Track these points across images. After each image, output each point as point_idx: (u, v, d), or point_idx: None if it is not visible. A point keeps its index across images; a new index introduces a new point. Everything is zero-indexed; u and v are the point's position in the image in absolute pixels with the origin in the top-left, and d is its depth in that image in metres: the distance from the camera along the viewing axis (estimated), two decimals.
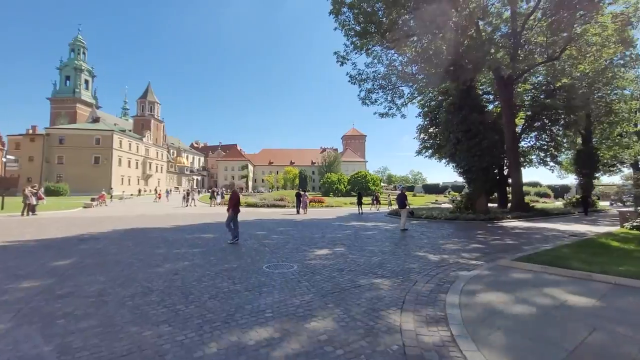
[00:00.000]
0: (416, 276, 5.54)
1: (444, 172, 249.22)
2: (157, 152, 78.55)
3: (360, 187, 72.46)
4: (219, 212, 21.32)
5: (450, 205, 36.88)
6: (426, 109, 27.67)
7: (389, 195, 28.71)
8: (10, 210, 17.43)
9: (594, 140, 28.65)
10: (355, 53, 19.58)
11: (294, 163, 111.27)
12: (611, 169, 35.30)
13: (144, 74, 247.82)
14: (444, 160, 28.50)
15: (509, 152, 19.57)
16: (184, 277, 5.38)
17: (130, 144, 65.47)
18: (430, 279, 5.34)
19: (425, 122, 27.84)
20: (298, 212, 21.19)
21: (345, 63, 19.29)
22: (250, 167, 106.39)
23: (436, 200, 48.77)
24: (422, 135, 28.56)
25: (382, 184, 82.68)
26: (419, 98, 24.93)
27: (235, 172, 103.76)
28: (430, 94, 26.32)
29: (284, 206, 27.06)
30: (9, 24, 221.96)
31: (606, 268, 5.45)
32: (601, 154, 28.78)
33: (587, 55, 18.66)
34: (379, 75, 20.04)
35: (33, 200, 16.40)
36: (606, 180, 51.57)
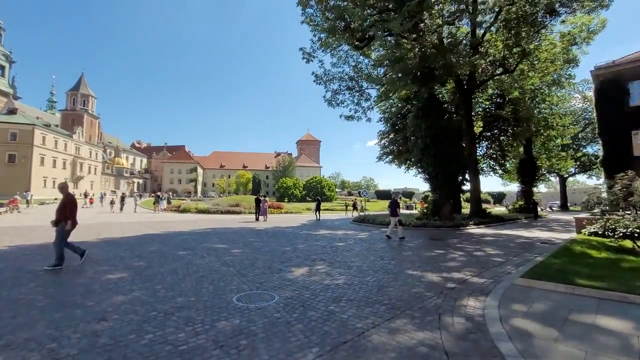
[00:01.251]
0: (432, 305, 4.41)
1: (395, 179, 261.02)
2: (90, 152, 69.91)
3: (316, 193, 71.87)
4: (166, 220, 18.64)
5: (410, 211, 37.77)
6: (387, 114, 27.73)
7: (354, 201, 27.88)
8: None
9: (533, 150, 31.14)
10: (322, 51, 18.61)
11: (247, 167, 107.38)
12: (542, 178, 38.98)
13: (78, 63, 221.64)
14: (403, 167, 28.86)
15: (468, 158, 19.97)
16: (115, 325, 3.60)
17: (56, 141, 57.19)
18: (453, 310, 4.24)
19: (387, 128, 27.82)
20: (257, 219, 19.37)
21: (312, 60, 18.19)
22: (200, 170, 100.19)
23: None
24: (382, 141, 28.50)
25: (336, 189, 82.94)
26: (384, 102, 24.70)
27: (183, 175, 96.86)
28: (391, 100, 26.38)
29: (239, 212, 24.91)
30: None
31: (630, 285, 4.87)
32: (540, 164, 31.33)
33: (537, 70, 19.84)
34: (345, 76, 19.24)
35: None
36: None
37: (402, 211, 38.71)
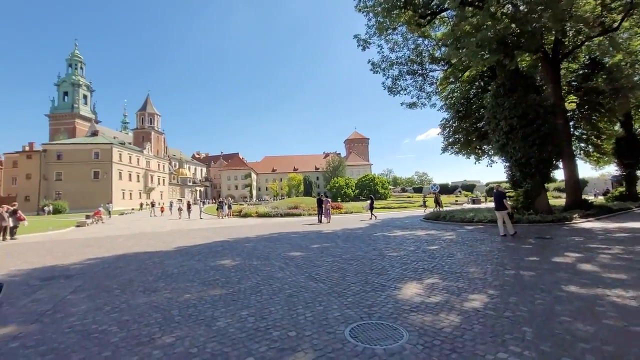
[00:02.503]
0: None
1: (450, 172, 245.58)
2: (158, 164, 75.94)
3: (369, 191, 69.67)
4: (231, 225, 18.48)
5: (477, 205, 34.07)
6: (450, 100, 25.00)
7: (436, 196, 25.28)
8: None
9: (634, 126, 25.86)
10: (377, 37, 16.97)
11: (297, 169, 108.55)
12: None
13: (144, 85, 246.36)
14: (472, 157, 25.80)
15: (563, 139, 16.75)
16: None
17: (130, 156, 62.87)
18: None
19: (450, 115, 25.07)
20: (320, 220, 18.31)
21: (368, 47, 16.65)
22: (254, 176, 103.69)
23: (456, 201, 45.77)
24: (446, 130, 25.76)
25: (389, 186, 79.73)
26: (446, 87, 22.18)
27: (239, 181, 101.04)
28: (453, 85, 23.67)
29: (299, 214, 24.20)
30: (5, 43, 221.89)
31: None
32: None
33: None
34: (406, 60, 17.34)
35: (10, 222, 13.58)
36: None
37: (468, 205, 35.13)
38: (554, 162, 14.75)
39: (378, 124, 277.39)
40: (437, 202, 23.24)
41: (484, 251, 7.69)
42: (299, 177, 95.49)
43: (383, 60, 17.47)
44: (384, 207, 36.76)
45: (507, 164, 15.40)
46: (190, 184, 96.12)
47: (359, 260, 7.19)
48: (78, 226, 20.47)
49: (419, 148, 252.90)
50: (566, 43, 16.55)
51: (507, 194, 13.77)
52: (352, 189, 74.11)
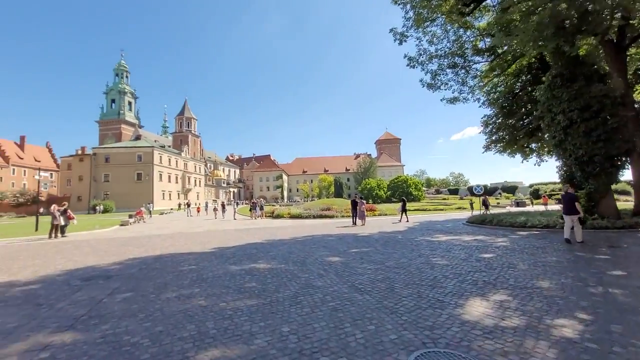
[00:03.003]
0: None
1: (488, 172, 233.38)
2: (195, 166, 79.06)
3: (402, 192, 67.70)
4: (264, 227, 18.36)
5: (521, 208, 31.54)
6: (493, 95, 23.27)
7: (485, 198, 23.67)
8: (46, 232, 15.47)
9: None
10: (414, 30, 16.05)
11: (327, 171, 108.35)
12: None
13: (183, 91, 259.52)
14: (518, 155, 23.86)
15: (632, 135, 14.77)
16: None
17: (169, 159, 65.96)
18: None
19: (494, 112, 23.33)
20: (354, 223, 17.65)
21: (405, 41, 15.80)
22: (285, 177, 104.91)
23: (498, 203, 42.95)
24: (489, 128, 24.02)
25: (423, 188, 76.93)
26: (489, 81, 20.63)
27: (270, 182, 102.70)
28: (496, 79, 21.98)
29: (332, 216, 23.69)
30: (63, 56, 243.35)
31: None
32: None
33: None
34: (447, 52, 16.24)
35: (61, 221, 14.36)
36: None
37: (512, 208, 32.60)
38: (623, 160, 13.00)
39: (410, 124, 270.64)
40: (485, 205, 21.69)
41: (551, 262, 6.67)
42: (329, 179, 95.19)
43: (421, 54, 16.51)
44: (417, 210, 35.23)
45: (562, 163, 13.80)
46: (225, 185, 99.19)
47: (405, 268, 6.50)
48: (122, 225, 21.44)
49: (453, 148, 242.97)
50: (636, 25, 14.58)
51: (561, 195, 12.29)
52: (384, 191, 72.45)
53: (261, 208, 26.89)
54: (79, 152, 63.72)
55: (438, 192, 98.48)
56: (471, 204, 26.59)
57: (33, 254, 9.88)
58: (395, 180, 74.19)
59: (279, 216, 25.37)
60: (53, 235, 14.27)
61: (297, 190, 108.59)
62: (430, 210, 33.50)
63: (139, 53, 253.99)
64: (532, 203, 41.24)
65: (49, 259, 8.95)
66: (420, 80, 17.01)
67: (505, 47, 14.67)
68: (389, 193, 71.43)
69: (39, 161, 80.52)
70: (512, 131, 22.37)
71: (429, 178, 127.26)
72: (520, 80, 21.07)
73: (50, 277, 6.66)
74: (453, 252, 8.20)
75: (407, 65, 16.99)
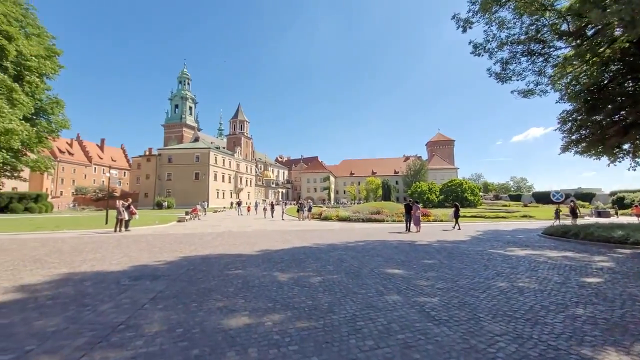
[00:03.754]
0: None
1: (554, 178, 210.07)
2: (246, 167, 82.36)
3: (456, 197, 63.20)
4: (312, 229, 17.81)
5: (603, 220, 26.96)
6: (573, 88, 20.08)
7: (573, 205, 20.59)
8: (113, 226, 16.67)
9: None
10: (480, 17, 14.25)
11: (375, 173, 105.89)
12: None
13: (237, 94, 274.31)
14: (604, 157, 20.36)
15: None
16: None
17: (224, 159, 69.44)
18: None
19: (575, 107, 20.14)
20: (408, 229, 16.27)
21: (470, 27, 14.09)
22: (332, 179, 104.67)
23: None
24: (568, 126, 20.81)
25: (480, 192, 71.06)
26: (570, 72, 17.80)
27: (317, 183, 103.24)
28: (579, 67, 18.86)
29: (382, 220, 22.40)
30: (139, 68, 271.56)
31: None
32: None
33: None
34: (521, 38, 14.18)
35: (125, 215, 15.26)
36: None
37: (592, 219, 28.01)
38: None
39: (464, 125, 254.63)
40: (574, 214, 18.85)
41: None
42: (377, 181, 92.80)
43: (489, 40, 14.62)
44: (475, 216, 32.06)
45: None
46: (274, 185, 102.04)
47: (484, 291, 5.28)
48: (178, 221, 22.50)
49: (514, 150, 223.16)
50: None
51: None
52: (435, 195, 68.34)
53: (309, 209, 26.51)
54: (147, 153, 69.97)
55: (497, 197, 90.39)
56: (557, 213, 22.20)
57: (96, 247, 10.35)
58: (449, 184, 69.58)
59: (326, 218, 24.74)
60: (118, 229, 15.20)
61: (344, 192, 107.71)
62: (490, 217, 30.27)
63: (199, 59, 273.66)
64: (616, 213, 35.33)
65: (108, 253, 9.22)
66: (488, 70, 15.10)
67: (599, 27, 12.29)
68: (441, 197, 67.22)
69: (115, 161, 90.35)
70: (598, 129, 19.14)
71: (486, 182, 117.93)
72: (608, 70, 17.92)
73: (103, 273, 6.64)
74: (541, 272, 6.68)
75: (472, 53, 15.18)
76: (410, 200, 17.45)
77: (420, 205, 17.03)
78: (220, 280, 6.04)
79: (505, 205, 65.40)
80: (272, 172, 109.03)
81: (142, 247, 10.46)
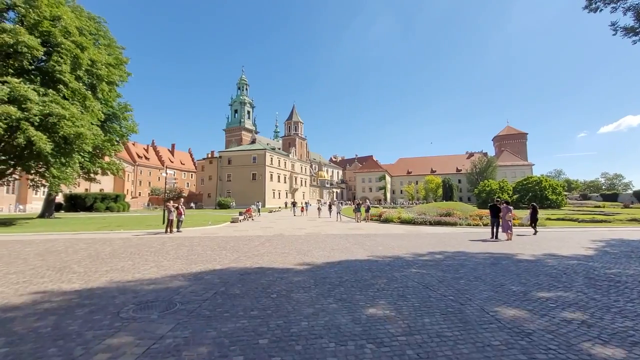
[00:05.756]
0: None
1: None
2: (301, 167, 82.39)
3: (533, 197, 54.90)
4: (373, 233, 15.39)
5: None
6: None
7: None
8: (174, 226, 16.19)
9: None
10: None
11: (435, 171, 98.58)
12: None
13: (292, 96, 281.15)
14: None
15: None
16: None
17: (279, 160, 70.09)
18: None
19: None
20: (495, 236, 12.93)
21: None
22: (388, 178, 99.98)
23: None
24: None
25: (563, 191, 60.88)
26: None
27: (373, 183, 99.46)
28: None
29: (454, 224, 18.98)
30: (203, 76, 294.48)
31: None
32: None
33: None
34: None
35: (173, 216, 14.58)
36: None
37: None
38: None
39: (538, 117, 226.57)
40: None
41: None
42: (437, 180, 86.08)
43: None
44: (562, 219, 26.38)
45: None
46: (328, 185, 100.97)
47: None
48: (232, 222, 21.82)
49: (602, 143, 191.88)
50: None
51: None
52: (508, 194, 60.24)
53: (367, 210, 24.03)
54: (209, 155, 73.83)
55: (585, 197, 77.10)
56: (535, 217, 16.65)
57: (135, 252, 9.36)
58: (525, 182, 60.97)
59: (387, 220, 22.01)
60: (169, 229, 14.57)
61: (401, 192, 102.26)
62: (585, 221, 24.43)
63: (257, 64, 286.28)
64: None
65: (141, 260, 8.02)
66: (612, 25, 11.07)
67: None
68: (515, 197, 59.00)
69: (184, 164, 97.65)
70: None
71: (568, 180, 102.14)
72: None
73: (111, 292, 5.17)
74: None
75: (585, 7, 11.34)
76: (497, 200, 14.03)
77: (512, 207, 13.48)
78: (254, 315, 4.08)
79: (599, 207, 54.92)
80: (327, 172, 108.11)
81: (181, 253, 9.17)
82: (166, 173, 19.28)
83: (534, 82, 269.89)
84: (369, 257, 8.66)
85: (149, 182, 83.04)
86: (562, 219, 27.60)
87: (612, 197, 70.59)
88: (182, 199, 16.64)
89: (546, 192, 55.94)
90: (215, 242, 11.60)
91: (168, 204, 14.88)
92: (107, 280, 6.02)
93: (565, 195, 63.62)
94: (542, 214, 23.38)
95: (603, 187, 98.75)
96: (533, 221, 15.50)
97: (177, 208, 14.96)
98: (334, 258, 8.41)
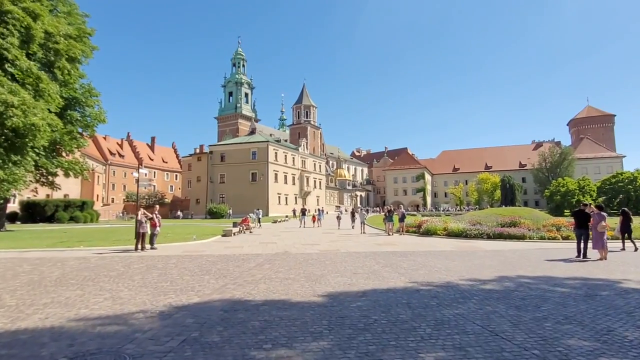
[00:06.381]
0: None
1: None
2: (314, 164, 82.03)
3: (624, 200, 52.42)
4: (410, 250, 14.59)
5: None
6: None
7: None
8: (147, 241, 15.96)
9: None
10: None
11: (490, 168, 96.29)
12: None
13: (300, 78, 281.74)
14: None
15: None
16: None
17: (285, 155, 69.87)
18: None
19: None
20: (584, 254, 11.86)
21: None
22: (428, 177, 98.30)
23: None
24: None
25: None
26: None
27: (408, 184, 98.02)
28: None
29: (521, 237, 17.93)
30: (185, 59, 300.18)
31: None
32: None
33: None
34: None
35: (146, 229, 14.25)
36: None
37: None
38: None
39: (626, 95, 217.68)
40: None
41: None
42: (494, 179, 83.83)
43: None
44: None
45: None
46: (350, 187, 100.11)
47: None
48: (223, 235, 21.48)
49: None
50: None
51: None
52: (590, 195, 57.72)
53: (401, 219, 23.18)
54: (197, 151, 74.61)
55: None
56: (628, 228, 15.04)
57: (91, 276, 9.00)
58: (613, 180, 58.37)
59: (429, 232, 21.13)
60: (140, 246, 14.26)
61: (445, 195, 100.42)
62: None
63: (257, 38, 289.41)
64: None
65: (94, 288, 7.61)
66: None
67: None
68: (601, 199, 56.39)
69: (166, 162, 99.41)
70: None
71: None
72: None
73: (41, 337, 4.68)
74: None
75: None
76: (585, 206, 12.92)
77: (606, 215, 12.35)
78: None
79: None
80: (348, 171, 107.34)
81: (149, 279, 8.72)
82: (138, 172, 19.08)
83: (623, 49, 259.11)
84: (406, 285, 7.93)
85: (124, 186, 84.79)
86: None
87: None
88: (157, 207, 16.33)
89: None
90: (198, 264, 11.13)
91: (140, 212, 14.57)
92: (41, 317, 5.57)
93: None
94: (637, 222, 22.02)
95: None
96: (627, 232, 14.72)
97: (150, 219, 14.65)
98: (357, 287, 7.73)
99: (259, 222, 32.80)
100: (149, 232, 14.53)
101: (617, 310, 5.77)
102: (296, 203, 68.79)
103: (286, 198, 68.70)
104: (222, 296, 6.92)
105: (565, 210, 56.76)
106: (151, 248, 14.71)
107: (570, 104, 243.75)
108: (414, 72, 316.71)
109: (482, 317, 5.51)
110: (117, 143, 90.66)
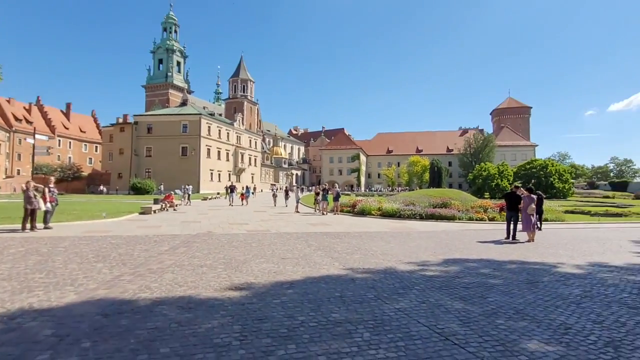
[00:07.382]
0: None
1: None
2: (250, 140, 79.09)
3: (538, 185, 57.30)
4: (344, 231, 13.84)
5: None
6: None
7: None
8: (39, 220, 13.19)
9: None
10: None
11: (421, 151, 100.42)
12: None
13: (238, 51, 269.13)
14: None
15: None
16: None
17: (219, 130, 66.25)
18: None
19: None
20: (512, 237, 11.94)
21: None
22: (363, 158, 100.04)
23: None
24: None
25: (571, 179, 64.43)
26: None
27: (344, 164, 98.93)
28: None
29: (452, 218, 18.11)
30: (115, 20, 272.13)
31: None
32: None
33: None
34: None
35: (37, 204, 11.78)
36: None
37: None
38: None
39: (542, 90, 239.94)
40: None
41: None
42: (423, 162, 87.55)
43: None
44: (571, 212, 27.95)
45: None
46: (286, 165, 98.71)
47: None
48: (142, 213, 19.16)
49: (612, 123, 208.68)
50: None
51: None
52: (508, 180, 62.43)
53: (336, 198, 22.51)
54: (120, 121, 67.87)
55: (593, 186, 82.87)
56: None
57: None
58: (528, 166, 63.53)
59: (363, 212, 20.71)
60: (29, 225, 11.81)
61: (379, 176, 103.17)
62: (597, 214, 25.19)
63: (190, 11, 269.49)
64: None
65: None
66: None
67: None
68: (516, 183, 61.29)
69: (84, 132, 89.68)
70: None
71: (574, 165, 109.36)
72: None
73: None
74: None
75: None
76: (517, 188, 13.04)
77: (535, 197, 12.52)
78: None
79: (608, 197, 58.96)
80: (284, 149, 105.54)
81: (19, 268, 6.80)
82: (34, 138, 16.03)
83: (541, 48, 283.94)
84: (340, 272, 6.97)
85: (33, 156, 75.04)
86: (572, 212, 28.51)
87: (621, 186, 76.28)
88: (52, 179, 13.76)
89: (552, 179, 58.65)
90: (96, 247, 9.24)
91: (28, 185, 11.99)
92: None
93: (572, 183, 67.43)
94: (548, 204, 23.86)
95: (612, 173, 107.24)
96: (538, 214, 15.09)
97: (42, 192, 12.16)
98: (283, 275, 6.60)
99: (189, 199, 30.26)
100: (43, 208, 12.08)
101: (565, 301, 5.29)
102: (229, 180, 65.93)
103: (219, 174, 65.52)
104: (108, 292, 5.38)
105: (485, 193, 60.92)
106: (45, 228, 12.29)
107: (494, 96, 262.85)
108: (353, 56, 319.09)
109: (427, 313, 4.68)
110: (25, 107, 79.45)
